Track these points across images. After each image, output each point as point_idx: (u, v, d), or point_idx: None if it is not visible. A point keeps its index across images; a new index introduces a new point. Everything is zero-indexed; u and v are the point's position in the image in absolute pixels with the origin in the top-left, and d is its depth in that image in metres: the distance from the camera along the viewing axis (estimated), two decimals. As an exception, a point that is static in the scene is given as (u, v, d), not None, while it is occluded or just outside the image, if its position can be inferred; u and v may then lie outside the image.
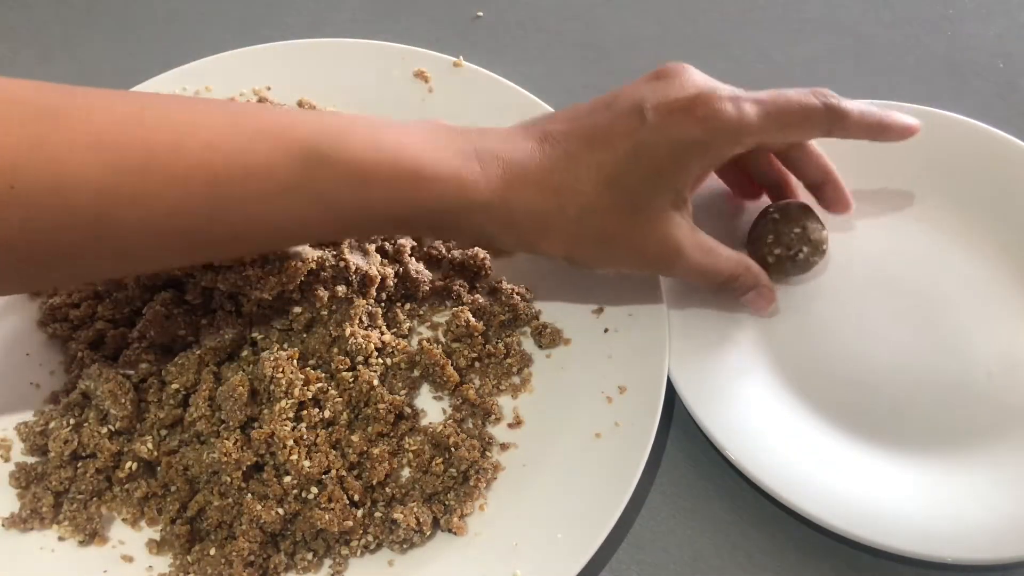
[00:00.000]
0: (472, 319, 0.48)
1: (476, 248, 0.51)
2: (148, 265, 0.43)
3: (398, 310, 0.49)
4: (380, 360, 0.47)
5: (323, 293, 0.46)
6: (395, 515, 0.42)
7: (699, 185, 0.49)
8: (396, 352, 0.47)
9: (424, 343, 0.47)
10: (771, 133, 0.42)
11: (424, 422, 0.47)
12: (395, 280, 0.49)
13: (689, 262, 0.43)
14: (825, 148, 0.48)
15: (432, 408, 0.47)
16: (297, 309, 0.46)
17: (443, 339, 0.49)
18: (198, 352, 0.46)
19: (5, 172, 0.32)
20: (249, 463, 0.43)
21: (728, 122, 0.40)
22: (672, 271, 0.45)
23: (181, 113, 0.36)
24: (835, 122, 0.43)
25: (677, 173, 0.41)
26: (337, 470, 0.43)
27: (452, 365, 0.47)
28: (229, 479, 0.42)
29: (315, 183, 0.37)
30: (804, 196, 0.50)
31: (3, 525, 0.43)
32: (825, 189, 0.49)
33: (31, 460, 0.45)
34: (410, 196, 0.38)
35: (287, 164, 0.36)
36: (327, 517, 0.42)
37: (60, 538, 0.43)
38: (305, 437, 0.43)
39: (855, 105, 0.43)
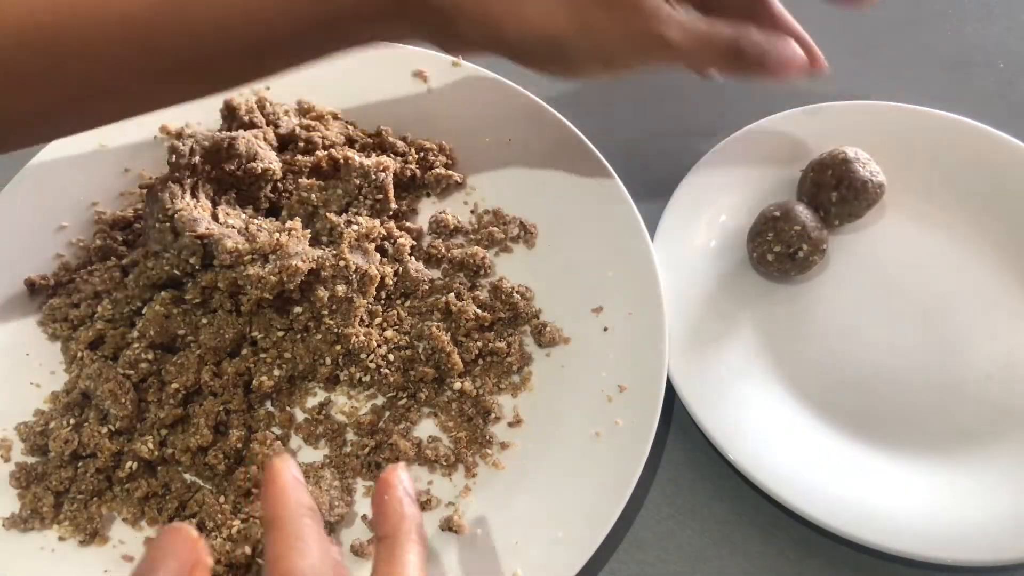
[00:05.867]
0: (480, 311, 0.48)
1: (476, 247, 0.51)
2: (120, 99, 0.40)
3: (398, 308, 0.49)
4: (382, 356, 0.47)
5: (323, 293, 0.46)
6: None
7: None
8: (399, 347, 0.48)
9: (434, 329, 0.47)
10: None
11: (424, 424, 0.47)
12: (395, 279, 0.49)
13: (682, 20, 0.38)
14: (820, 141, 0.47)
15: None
16: (297, 309, 0.46)
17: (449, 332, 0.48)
18: (198, 352, 0.46)
19: None
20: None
21: None
22: (664, 40, 0.38)
23: None
24: None
25: None
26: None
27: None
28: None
29: None
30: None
31: (3, 525, 0.43)
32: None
33: (31, 460, 0.45)
34: None
35: None
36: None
37: (60, 538, 0.43)
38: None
39: None
